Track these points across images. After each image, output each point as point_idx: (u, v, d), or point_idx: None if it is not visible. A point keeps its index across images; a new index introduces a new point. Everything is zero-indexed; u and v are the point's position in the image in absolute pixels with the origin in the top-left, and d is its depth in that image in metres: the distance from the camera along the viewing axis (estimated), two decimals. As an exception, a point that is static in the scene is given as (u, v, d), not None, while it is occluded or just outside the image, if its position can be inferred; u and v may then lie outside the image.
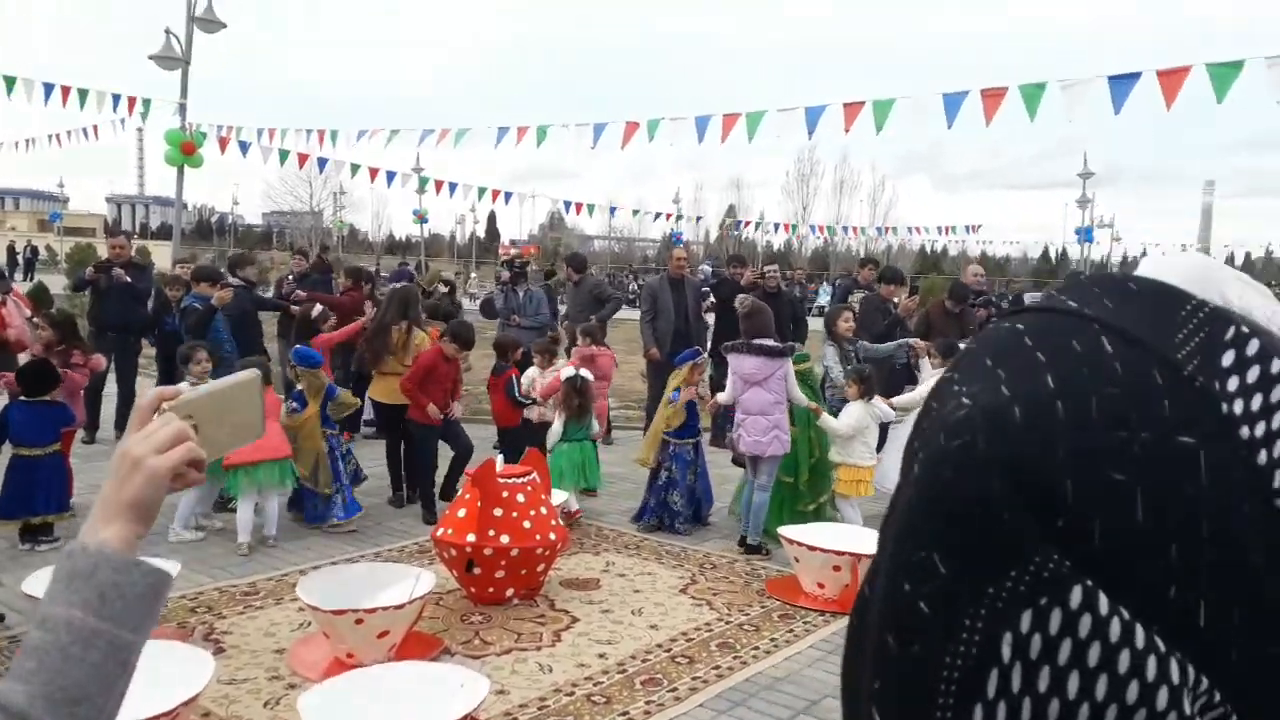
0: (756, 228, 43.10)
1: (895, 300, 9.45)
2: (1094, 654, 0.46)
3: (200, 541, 5.95)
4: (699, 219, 45.95)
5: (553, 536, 5.14)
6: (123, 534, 0.95)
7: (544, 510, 5.20)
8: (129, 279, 8.76)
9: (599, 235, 67.17)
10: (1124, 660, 0.46)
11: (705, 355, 7.82)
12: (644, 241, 65.88)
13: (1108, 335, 0.51)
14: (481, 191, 21.32)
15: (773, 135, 11.77)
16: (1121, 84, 8.78)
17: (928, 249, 59.91)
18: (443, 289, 12.19)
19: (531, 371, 7.67)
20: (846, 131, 10.52)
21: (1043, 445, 0.48)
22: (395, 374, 6.92)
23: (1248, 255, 71.71)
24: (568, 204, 26.27)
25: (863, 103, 10.44)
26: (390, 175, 19.15)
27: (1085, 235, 30.57)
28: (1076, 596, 0.46)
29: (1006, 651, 0.47)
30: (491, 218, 79.49)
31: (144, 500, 0.97)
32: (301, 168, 23.33)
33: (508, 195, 22.83)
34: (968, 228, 40.83)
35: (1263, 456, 0.48)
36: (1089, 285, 0.57)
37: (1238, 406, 0.49)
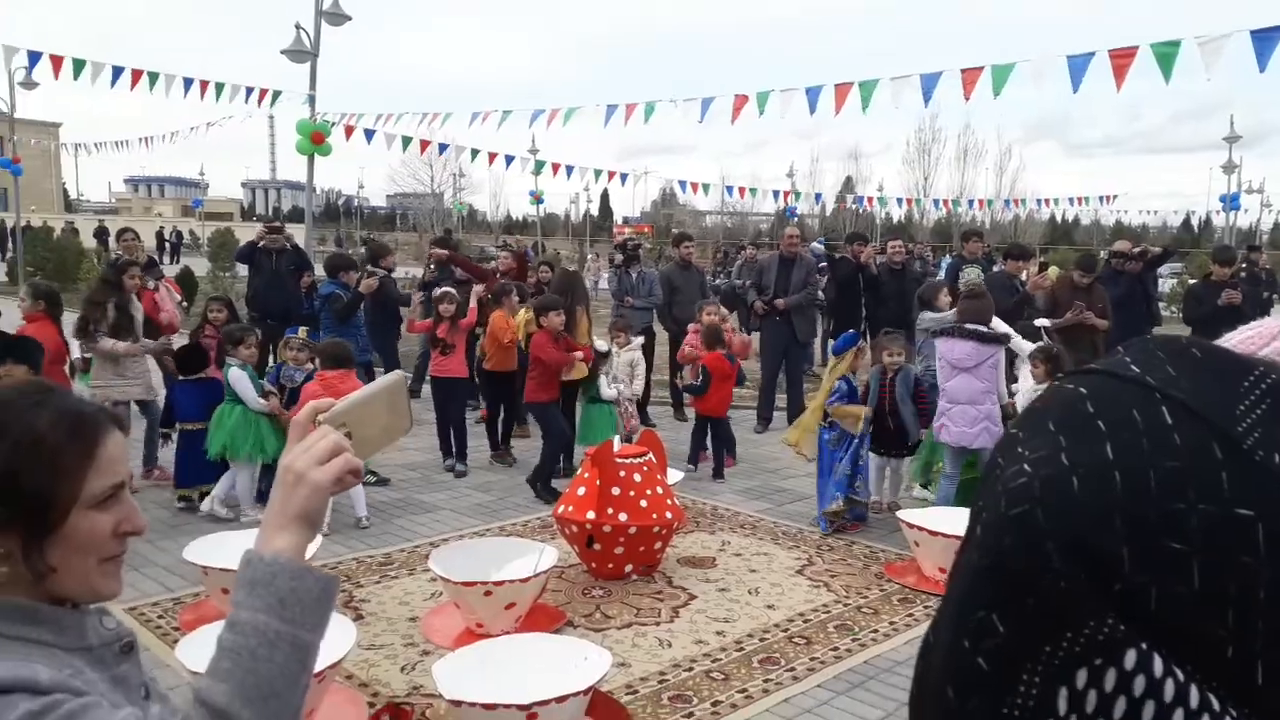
0: (877, 202, 41.97)
1: (1022, 277, 9.14)
2: (1148, 711, 0.48)
3: (335, 514, 6.29)
4: (817, 196, 45.04)
5: (669, 515, 5.23)
6: (294, 543, 1.05)
7: (660, 490, 5.30)
8: (295, 266, 9.19)
9: (711, 211, 66.77)
10: (1178, 717, 0.48)
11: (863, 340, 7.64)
12: (758, 216, 65.13)
13: (1168, 405, 0.53)
14: (597, 173, 21.55)
15: (889, 105, 11.51)
16: (1267, 38, 8.21)
17: (1058, 220, 57.37)
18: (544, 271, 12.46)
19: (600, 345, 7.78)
20: (967, 99, 10.18)
21: (1100, 516, 0.50)
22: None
23: None
24: (682, 183, 26.25)
25: (981, 68, 10.06)
26: (509, 159, 19.56)
27: (1231, 202, 28.65)
28: (1131, 658, 0.49)
29: (1062, 705, 0.50)
30: (605, 196, 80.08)
31: (310, 511, 1.06)
32: (423, 153, 24.05)
33: (623, 176, 23.03)
34: (1101, 198, 38.82)
35: None
36: (1153, 349, 0.58)
37: None
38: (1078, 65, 9.57)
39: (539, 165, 23.04)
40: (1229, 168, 28.84)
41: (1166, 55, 8.95)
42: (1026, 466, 0.55)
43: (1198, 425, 0.52)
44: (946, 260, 14.93)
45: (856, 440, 6.17)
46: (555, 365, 6.75)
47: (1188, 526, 0.49)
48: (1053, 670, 0.50)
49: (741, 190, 31.42)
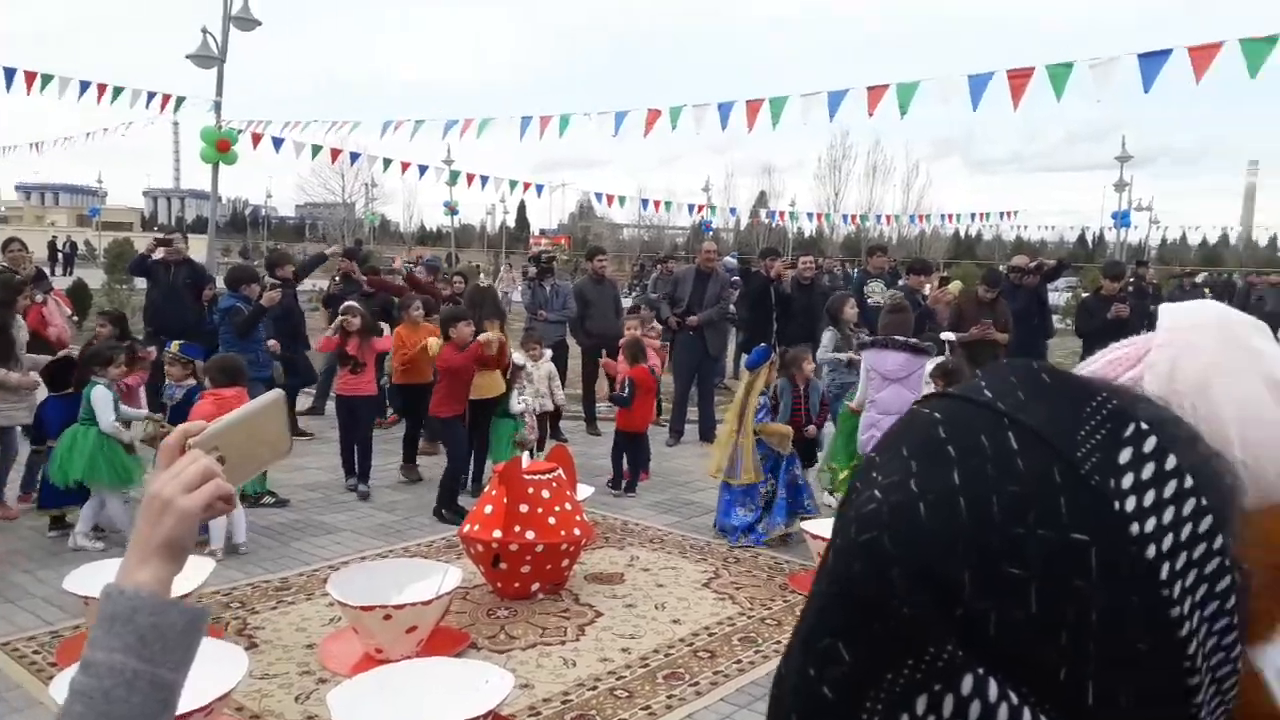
0: (789, 216, 42.77)
1: (924, 291, 9.38)
2: None
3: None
4: (732, 210, 45.70)
5: (577, 532, 5.19)
6: (158, 575, 0.98)
7: (569, 506, 5.25)
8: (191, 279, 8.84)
9: (628, 224, 67.10)
10: None
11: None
12: (675, 229, 65.70)
13: (1015, 430, 0.53)
14: (513, 184, 21.42)
15: (797, 121, 11.73)
16: (1151, 61, 8.62)
17: (961, 235, 59.23)
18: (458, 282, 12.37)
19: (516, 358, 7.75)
20: (870, 115, 10.43)
21: (945, 542, 0.50)
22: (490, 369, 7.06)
23: (1292, 235, 70.13)
24: (598, 195, 26.30)
25: (886, 86, 10.33)
26: (422, 169, 19.28)
27: (1122, 220, 30.08)
28: (969, 683, 0.49)
29: None
30: (521, 208, 79.71)
31: (176, 540, 1.00)
32: (334, 162, 23.56)
33: (539, 187, 22.92)
34: (1002, 214, 40.32)
35: (1151, 550, 0.51)
36: (1007, 374, 0.59)
37: (1130, 503, 0.51)
38: (978, 84, 9.90)
39: (453, 176, 22.79)
40: (1120, 186, 30.27)
41: (1060, 75, 9.33)
42: (877, 493, 0.55)
43: (1041, 450, 0.52)
44: (856, 275, 15.30)
45: (786, 460, 6.23)
46: (461, 373, 6.60)
47: (1027, 552, 0.50)
48: (894, 698, 0.50)
49: (656, 204, 31.62)
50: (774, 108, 11.70)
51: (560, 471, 5.41)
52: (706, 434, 9.35)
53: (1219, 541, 0.54)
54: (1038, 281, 9.95)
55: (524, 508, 5.07)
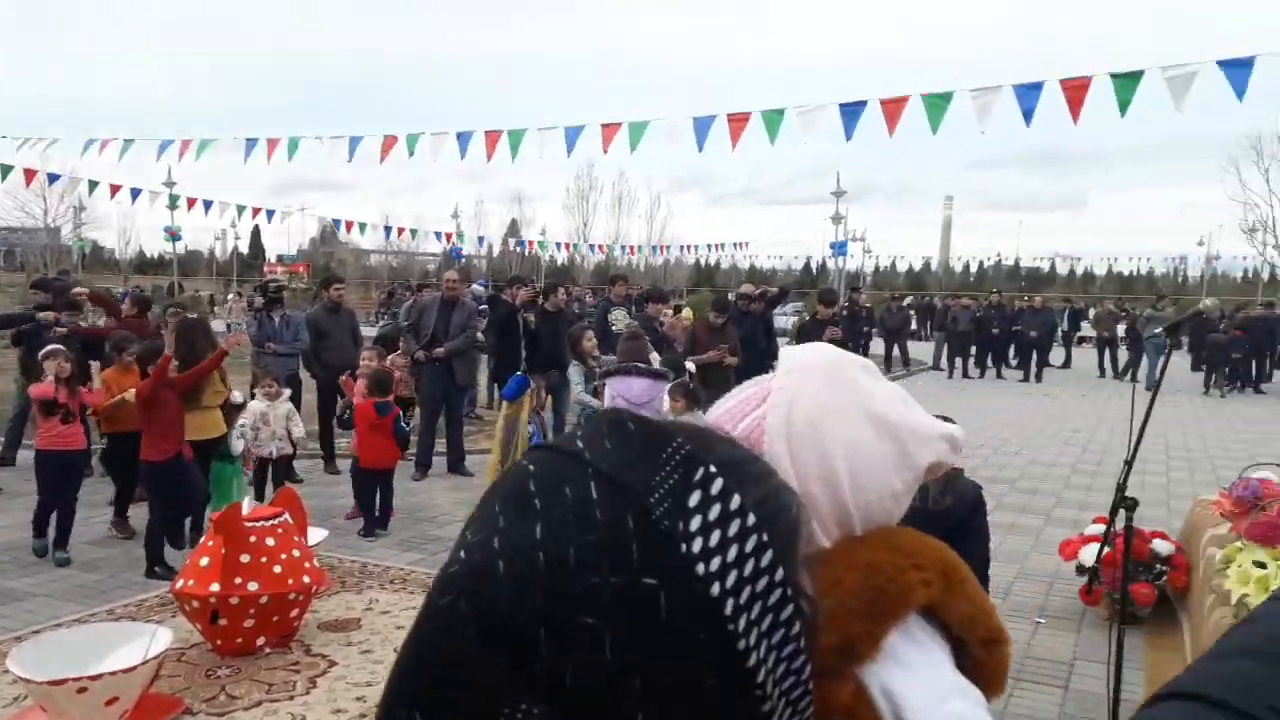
0: (539, 245, 43.26)
1: (660, 318, 9.78)
2: None
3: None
4: (480, 239, 45.52)
5: (307, 579, 4.92)
6: None
7: (297, 552, 4.98)
8: None
9: (375, 250, 64.98)
10: None
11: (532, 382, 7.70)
12: (425, 256, 64.37)
13: (597, 480, 0.55)
14: (240, 209, 20.16)
15: (540, 153, 11.94)
16: (850, 111, 9.55)
17: (702, 264, 62.33)
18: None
19: (255, 405, 7.37)
20: (605, 152, 10.82)
21: (520, 598, 0.51)
22: (209, 407, 6.54)
23: (981, 263, 79.57)
24: (337, 221, 25.30)
25: (619, 124, 10.75)
26: (135, 191, 17.72)
27: (839, 249, 32.87)
28: None
29: None
30: (256, 233, 75.03)
31: None
32: (29, 184, 21.12)
33: (269, 213, 21.68)
34: (735, 244, 42.90)
35: (716, 588, 0.53)
36: (599, 423, 0.60)
37: (696, 545, 0.53)
38: (702, 126, 10.53)
39: (173, 199, 21.11)
40: (837, 219, 33.08)
41: (773, 120, 10.12)
42: (462, 553, 0.55)
43: (619, 498, 0.54)
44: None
45: None
46: (158, 407, 6.00)
47: (601, 600, 0.51)
48: None
49: (400, 230, 30.86)
50: (512, 140, 11.84)
51: (287, 516, 5.12)
52: (456, 465, 9.20)
53: (780, 574, 0.56)
54: (764, 308, 10.67)
55: (245, 557, 4.74)
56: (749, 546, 0.55)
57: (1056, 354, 22.67)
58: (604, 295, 14.10)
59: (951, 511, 3.84)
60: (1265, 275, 33.36)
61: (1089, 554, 5.37)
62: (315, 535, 5.73)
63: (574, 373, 7.33)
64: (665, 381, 6.33)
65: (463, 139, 12.36)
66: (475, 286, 14.21)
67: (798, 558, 0.60)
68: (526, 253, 47.99)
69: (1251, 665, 0.51)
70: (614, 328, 9.49)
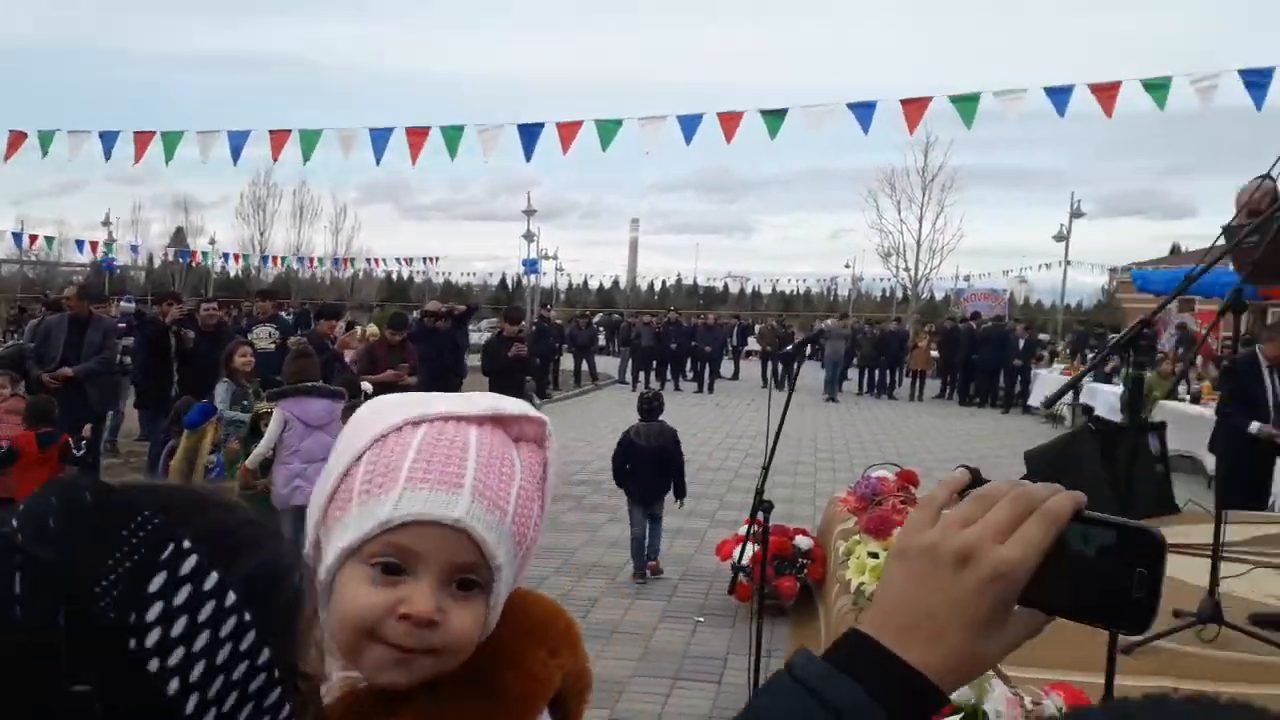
0: (204, 256, 39.98)
1: (333, 335, 9.36)
2: None
3: None
4: (133, 248, 41.33)
5: None
6: None
7: None
8: None
9: (7, 259, 56.72)
10: None
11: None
12: (70, 266, 57.11)
13: (25, 571, 0.47)
14: None
15: (213, 156, 11.08)
16: (529, 132, 9.76)
17: (394, 278, 60.77)
18: None
19: None
20: (275, 160, 10.26)
21: None
22: None
23: (664, 282, 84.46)
24: (-50, 224, 21.75)
25: (289, 131, 10.22)
26: None
27: (531, 267, 33.43)
28: None
29: None
30: None
31: None
32: None
33: None
34: (425, 259, 42.27)
35: (175, 684, 0.48)
36: (48, 495, 0.51)
37: (152, 638, 0.48)
38: (379, 137, 10.26)
39: None
40: (529, 236, 33.62)
41: (453, 136, 10.09)
42: None
43: (51, 593, 0.46)
44: (289, 318, 14.79)
45: None
46: None
47: (23, 717, 0.44)
48: None
49: (33, 238, 27.21)
50: (167, 142, 10.84)
51: None
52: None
53: (263, 656, 0.52)
54: (450, 325, 10.57)
55: None
56: (225, 630, 0.50)
57: (726, 367, 24.55)
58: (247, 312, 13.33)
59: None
60: (899, 295, 38.26)
61: (742, 553, 5.82)
62: None
63: (221, 390, 6.80)
64: (341, 401, 6.06)
65: (107, 139, 11.13)
66: (123, 303, 12.79)
67: (296, 633, 0.56)
68: (192, 265, 44.07)
69: None
70: (257, 346, 8.96)
